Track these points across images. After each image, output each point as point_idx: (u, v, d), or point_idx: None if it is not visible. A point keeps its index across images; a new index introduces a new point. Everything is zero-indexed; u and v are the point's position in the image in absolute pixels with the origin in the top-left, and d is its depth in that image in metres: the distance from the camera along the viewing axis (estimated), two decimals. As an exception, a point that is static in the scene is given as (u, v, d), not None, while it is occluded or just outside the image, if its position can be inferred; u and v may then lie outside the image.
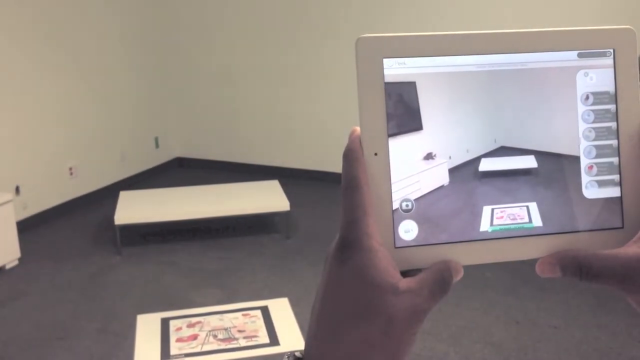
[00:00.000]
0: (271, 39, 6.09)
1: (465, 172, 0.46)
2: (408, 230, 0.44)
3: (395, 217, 0.44)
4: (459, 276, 0.44)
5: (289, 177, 5.78)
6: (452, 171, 0.46)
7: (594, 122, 0.46)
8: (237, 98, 6.43)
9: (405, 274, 0.43)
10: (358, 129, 0.44)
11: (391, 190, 0.44)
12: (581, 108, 0.46)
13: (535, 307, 3.61)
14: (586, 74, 0.46)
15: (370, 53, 0.44)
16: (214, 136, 6.69)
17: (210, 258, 4.41)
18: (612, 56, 0.46)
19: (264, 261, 4.35)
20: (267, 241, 4.71)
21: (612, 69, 0.46)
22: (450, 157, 0.46)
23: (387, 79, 0.44)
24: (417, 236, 0.45)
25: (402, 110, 0.45)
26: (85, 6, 5.47)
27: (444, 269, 0.43)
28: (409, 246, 0.44)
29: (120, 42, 5.94)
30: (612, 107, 0.46)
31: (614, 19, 4.60)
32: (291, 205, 4.63)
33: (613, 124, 0.46)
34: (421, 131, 0.45)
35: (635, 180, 0.46)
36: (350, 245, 0.41)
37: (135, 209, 4.59)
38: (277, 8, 5.99)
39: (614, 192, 0.46)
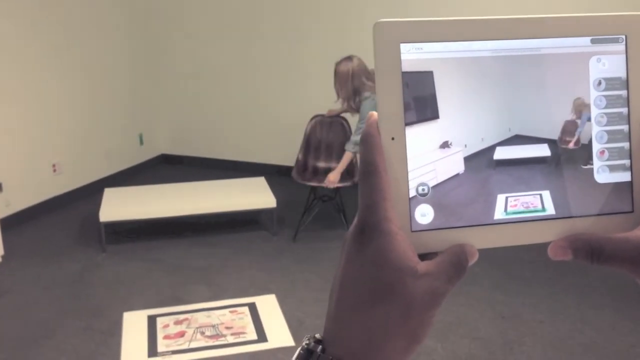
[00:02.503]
0: (257, 35, 6.08)
1: (480, 161, 0.46)
2: (424, 215, 0.45)
3: (411, 201, 0.45)
4: (474, 259, 0.44)
5: (275, 174, 5.77)
6: (468, 159, 0.46)
7: (605, 107, 0.47)
8: (223, 94, 6.41)
9: (420, 257, 0.43)
10: (375, 113, 0.44)
11: (408, 174, 0.44)
12: (593, 94, 0.47)
13: (521, 302, 3.65)
14: (599, 60, 0.47)
15: (388, 38, 0.44)
16: (199, 133, 6.67)
17: (196, 255, 4.39)
18: (624, 42, 0.47)
19: (251, 258, 4.35)
20: (254, 238, 4.70)
21: (624, 55, 0.47)
22: (465, 146, 0.46)
23: (404, 65, 0.44)
24: (433, 220, 0.45)
25: (419, 99, 0.45)
26: (69, 4, 5.41)
27: (460, 252, 0.43)
28: (425, 230, 0.45)
29: (105, 38, 5.88)
30: (623, 92, 0.47)
31: (626, 5, 4.65)
32: (278, 202, 4.63)
33: (624, 110, 0.47)
34: (437, 120, 0.46)
35: None
36: (369, 229, 0.42)
37: (120, 206, 4.55)
38: (263, 5, 5.97)
39: (624, 176, 0.47)
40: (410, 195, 0.45)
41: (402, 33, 0.44)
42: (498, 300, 3.67)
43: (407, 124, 0.45)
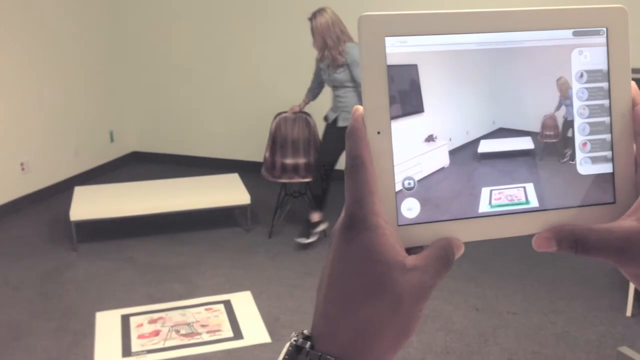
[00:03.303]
0: (228, 31, 6.04)
1: (464, 154, 0.46)
2: (410, 208, 0.45)
3: (397, 195, 0.44)
4: (460, 252, 0.44)
5: (248, 170, 5.75)
6: (452, 153, 0.46)
7: (587, 99, 0.47)
8: (195, 90, 6.35)
9: (406, 251, 0.43)
10: (361, 107, 0.44)
11: (394, 168, 0.44)
12: (576, 86, 0.47)
13: (494, 295, 3.69)
14: (581, 52, 0.47)
15: (373, 31, 0.44)
16: (171, 129, 6.60)
17: (170, 253, 4.36)
18: (605, 35, 0.47)
19: (225, 255, 4.32)
20: (228, 235, 4.67)
21: (606, 47, 0.47)
22: (450, 139, 0.46)
23: (389, 58, 0.44)
24: (419, 214, 0.45)
25: (404, 93, 0.45)
26: (36, 1, 5.31)
27: (446, 245, 0.43)
28: (411, 224, 0.45)
29: (73, 34, 5.78)
30: (605, 84, 0.47)
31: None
32: (251, 198, 4.61)
33: (606, 102, 0.47)
34: (422, 113, 0.45)
35: (627, 156, 0.47)
36: (357, 224, 0.41)
37: (91, 204, 4.49)
38: (231, 2, 5.93)
39: (606, 168, 0.47)
40: (397, 190, 0.44)
41: (387, 26, 0.44)
42: (471, 293, 3.71)
43: (392, 117, 0.44)
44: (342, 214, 0.43)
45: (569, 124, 0.47)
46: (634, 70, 0.50)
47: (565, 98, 0.47)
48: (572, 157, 0.47)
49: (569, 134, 0.47)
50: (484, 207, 0.46)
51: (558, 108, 0.47)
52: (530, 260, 4.08)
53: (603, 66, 0.47)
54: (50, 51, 5.51)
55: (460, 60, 0.46)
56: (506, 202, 0.47)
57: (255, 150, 6.15)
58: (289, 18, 5.78)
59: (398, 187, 0.45)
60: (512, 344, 3.19)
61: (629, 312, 3.41)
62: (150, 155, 6.71)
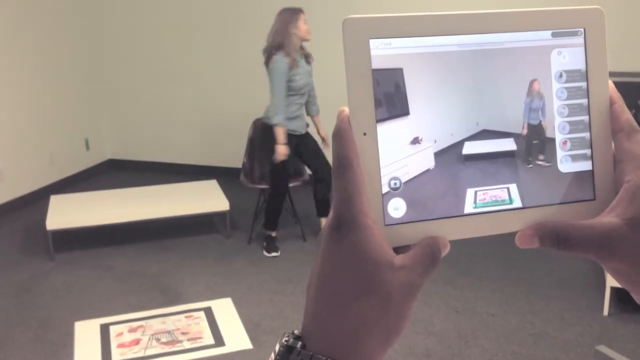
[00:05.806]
0: (205, 38, 6.02)
1: (449, 156, 0.47)
2: (397, 208, 0.46)
3: (384, 195, 0.45)
4: (445, 250, 0.45)
5: (227, 177, 5.72)
6: (438, 155, 0.47)
7: (567, 99, 0.49)
8: (171, 97, 6.31)
9: (393, 251, 0.44)
10: (346, 109, 0.44)
11: (380, 168, 0.45)
12: (555, 86, 0.48)
13: (473, 297, 3.73)
14: (559, 53, 0.48)
15: (357, 34, 0.45)
16: (147, 136, 6.55)
17: (149, 261, 4.32)
18: (583, 35, 0.48)
19: (205, 262, 4.30)
20: (208, 241, 4.65)
21: (584, 48, 0.48)
22: (435, 141, 0.47)
23: (374, 61, 0.45)
24: (405, 214, 0.46)
25: (389, 96, 0.46)
26: (10, 5, 5.23)
27: (432, 243, 0.44)
28: (397, 223, 0.45)
29: (47, 39, 5.72)
30: (583, 84, 0.49)
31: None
32: (230, 205, 4.60)
33: (584, 101, 0.49)
34: (408, 116, 0.46)
35: (605, 154, 0.49)
36: (346, 224, 0.42)
37: (67, 213, 4.43)
38: (211, 8, 5.92)
39: (586, 165, 0.49)
40: (383, 190, 0.45)
41: (371, 29, 0.45)
42: (451, 295, 3.74)
43: (378, 120, 0.45)
44: (331, 214, 0.43)
45: (537, 127, 0.49)
46: (612, 74, 0.51)
47: (539, 99, 0.48)
48: (554, 156, 0.49)
49: (539, 137, 0.49)
50: (469, 208, 0.47)
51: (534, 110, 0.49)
52: (507, 262, 4.12)
53: (581, 66, 0.49)
54: (24, 57, 5.44)
55: (443, 62, 0.47)
56: (490, 201, 0.48)
57: (233, 157, 6.13)
58: (265, 24, 5.78)
59: (385, 188, 0.45)
60: (492, 345, 3.22)
61: (605, 312, 3.46)
62: (126, 163, 6.65)
